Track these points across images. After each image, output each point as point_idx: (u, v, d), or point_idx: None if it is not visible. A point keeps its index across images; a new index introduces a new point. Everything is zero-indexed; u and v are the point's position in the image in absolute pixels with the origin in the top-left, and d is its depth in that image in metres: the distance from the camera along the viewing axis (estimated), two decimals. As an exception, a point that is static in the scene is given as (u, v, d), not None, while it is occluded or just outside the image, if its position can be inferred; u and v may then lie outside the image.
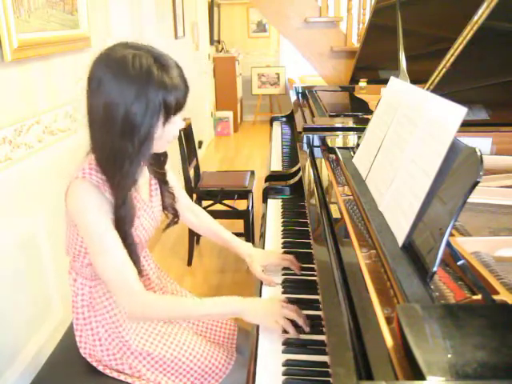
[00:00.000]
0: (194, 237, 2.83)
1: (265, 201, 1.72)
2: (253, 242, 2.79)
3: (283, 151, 2.40)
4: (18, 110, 1.68)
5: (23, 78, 1.70)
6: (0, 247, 1.60)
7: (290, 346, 0.97)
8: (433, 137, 0.89)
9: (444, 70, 1.34)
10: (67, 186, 1.08)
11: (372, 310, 0.75)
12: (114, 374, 1.18)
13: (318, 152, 1.68)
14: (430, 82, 1.39)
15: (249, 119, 7.08)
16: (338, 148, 1.55)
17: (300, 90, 2.88)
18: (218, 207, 2.81)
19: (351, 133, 1.75)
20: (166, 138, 1.08)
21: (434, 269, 0.76)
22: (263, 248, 1.39)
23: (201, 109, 5.18)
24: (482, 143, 1.48)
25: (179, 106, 1.05)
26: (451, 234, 0.84)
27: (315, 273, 1.18)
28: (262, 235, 1.47)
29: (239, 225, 2.79)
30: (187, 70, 1.10)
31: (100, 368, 1.19)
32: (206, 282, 2.72)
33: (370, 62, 2.72)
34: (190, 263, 2.87)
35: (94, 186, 1.05)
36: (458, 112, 0.83)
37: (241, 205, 2.83)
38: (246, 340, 1.33)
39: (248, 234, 2.76)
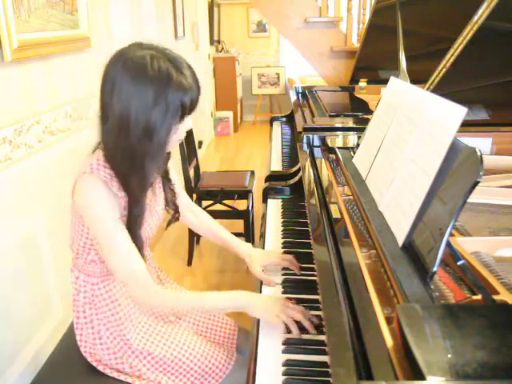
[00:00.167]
0: (193, 237, 2.83)
1: (265, 201, 1.72)
2: (253, 242, 2.79)
3: (283, 151, 2.40)
4: (18, 110, 1.68)
5: (23, 78, 1.70)
6: (0, 247, 1.60)
7: (290, 345, 0.97)
8: (433, 137, 0.89)
9: (444, 70, 1.34)
10: (75, 180, 1.09)
11: (372, 310, 0.75)
12: (114, 374, 1.18)
13: (318, 152, 1.68)
14: (430, 82, 1.39)
15: (249, 119, 7.08)
16: (338, 148, 1.55)
17: (300, 90, 2.88)
18: (218, 207, 2.81)
19: (351, 133, 1.75)
20: (177, 137, 1.10)
21: (434, 269, 0.76)
22: (263, 248, 1.39)
23: (201, 109, 5.18)
24: (482, 143, 1.48)
25: (193, 107, 1.06)
26: (451, 234, 0.84)
27: (315, 273, 1.18)
28: (262, 235, 1.48)
29: (239, 225, 2.79)
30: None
31: (100, 368, 1.19)
32: (206, 282, 2.72)
33: (370, 62, 2.72)
34: (189, 263, 2.87)
35: (102, 180, 1.06)
36: (457, 112, 0.83)
37: (241, 205, 2.83)
38: (246, 340, 1.33)
39: (248, 234, 2.76)
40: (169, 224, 1.33)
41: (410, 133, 1.01)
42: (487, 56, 1.34)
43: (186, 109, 1.04)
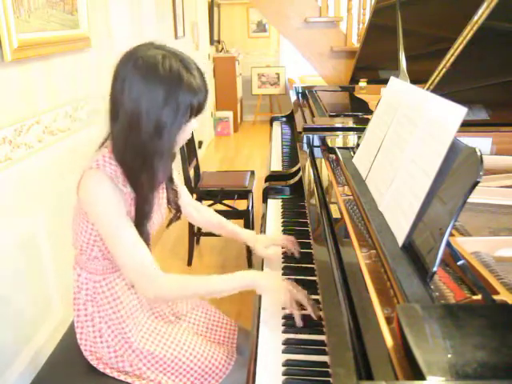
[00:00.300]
0: (193, 237, 2.83)
1: (265, 201, 1.72)
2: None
3: (283, 151, 2.40)
4: (18, 109, 1.68)
5: (23, 78, 1.70)
6: (0, 247, 1.60)
7: (290, 345, 0.97)
8: (433, 137, 0.89)
9: (444, 69, 1.34)
10: (80, 176, 1.10)
11: (372, 310, 0.75)
12: (114, 374, 1.18)
13: (318, 152, 1.68)
14: (430, 82, 1.39)
15: (249, 119, 7.08)
16: (338, 148, 1.55)
17: (300, 90, 2.88)
18: (218, 207, 2.80)
19: (351, 133, 1.75)
20: (184, 137, 1.11)
21: (434, 269, 0.76)
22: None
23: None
24: (482, 143, 1.48)
25: (201, 108, 1.07)
26: (451, 234, 0.84)
27: (315, 273, 1.18)
28: (262, 235, 1.48)
29: (239, 225, 2.77)
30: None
31: (100, 367, 1.19)
32: (206, 282, 2.72)
33: (370, 62, 2.72)
34: (190, 263, 2.87)
35: (108, 176, 1.06)
36: (457, 112, 0.83)
37: (241, 205, 2.83)
38: (246, 340, 1.33)
39: (248, 234, 2.76)
40: (170, 223, 1.34)
41: (410, 133, 1.01)
42: (487, 56, 1.34)
43: (194, 110, 1.05)
